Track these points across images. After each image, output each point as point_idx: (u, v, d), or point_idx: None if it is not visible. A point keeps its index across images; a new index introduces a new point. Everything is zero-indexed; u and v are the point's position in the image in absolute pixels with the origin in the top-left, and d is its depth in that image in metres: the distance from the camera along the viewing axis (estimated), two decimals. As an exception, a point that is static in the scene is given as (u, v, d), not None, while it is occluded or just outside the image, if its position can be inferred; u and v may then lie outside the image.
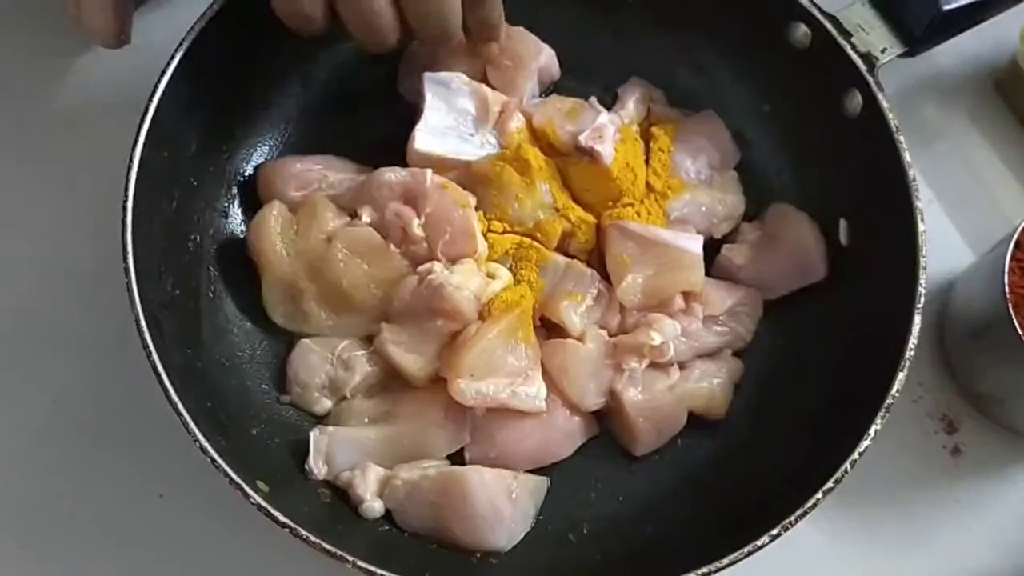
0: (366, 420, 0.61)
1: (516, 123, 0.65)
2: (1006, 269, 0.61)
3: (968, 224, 0.73)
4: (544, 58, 0.70)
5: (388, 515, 0.59)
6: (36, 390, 0.65)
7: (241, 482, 0.51)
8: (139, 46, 0.60)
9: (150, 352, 0.53)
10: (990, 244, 0.68)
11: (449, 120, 0.64)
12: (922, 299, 0.59)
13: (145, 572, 0.62)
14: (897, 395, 0.56)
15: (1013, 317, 0.60)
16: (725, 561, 0.53)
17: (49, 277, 0.67)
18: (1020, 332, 0.60)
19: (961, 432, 0.68)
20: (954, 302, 0.69)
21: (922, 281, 0.59)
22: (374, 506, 0.59)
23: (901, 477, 0.67)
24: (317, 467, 0.59)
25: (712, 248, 0.68)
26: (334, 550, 0.50)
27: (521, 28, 0.69)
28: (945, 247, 0.71)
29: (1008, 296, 0.61)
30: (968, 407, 0.68)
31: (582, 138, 0.65)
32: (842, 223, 0.67)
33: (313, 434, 0.60)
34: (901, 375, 0.57)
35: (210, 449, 0.51)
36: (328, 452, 0.60)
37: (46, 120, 0.71)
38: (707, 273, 0.66)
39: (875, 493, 0.66)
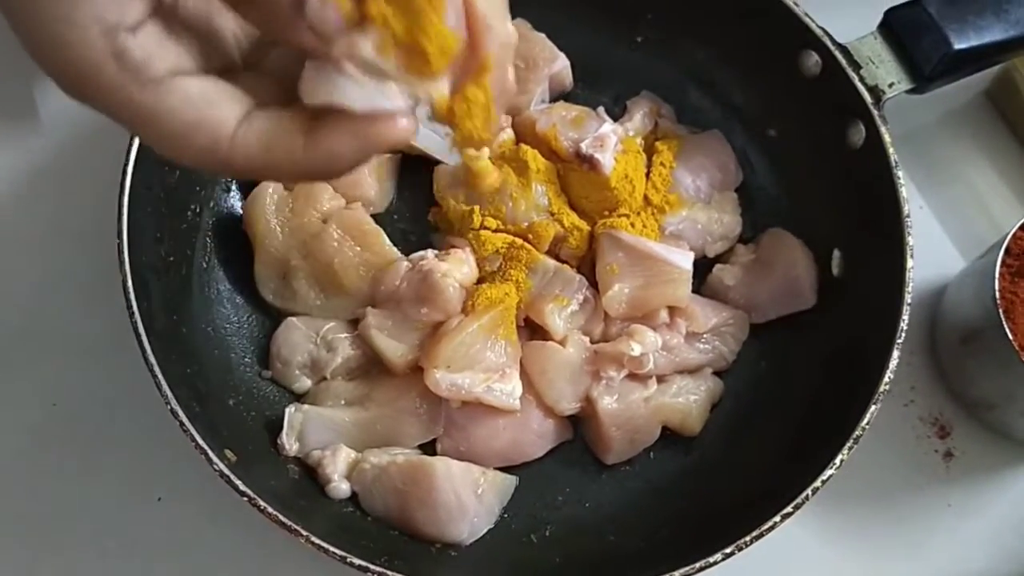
0: (342, 402, 0.62)
1: (501, 138, 0.66)
2: (996, 275, 0.61)
3: (959, 230, 0.73)
4: (558, 66, 0.71)
5: (354, 497, 0.60)
6: (36, 393, 0.65)
7: (206, 447, 0.52)
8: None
9: (132, 312, 0.54)
10: (981, 250, 0.68)
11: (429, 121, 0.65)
12: (903, 335, 0.59)
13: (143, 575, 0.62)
14: (867, 428, 0.57)
15: (1004, 322, 0.60)
16: (676, 574, 0.53)
17: (50, 279, 0.67)
18: (1011, 337, 0.60)
19: (953, 436, 0.68)
20: (945, 307, 0.69)
21: (904, 318, 0.59)
22: (341, 487, 0.60)
23: (894, 480, 0.67)
24: (289, 443, 0.60)
25: (705, 266, 0.68)
26: (290, 524, 0.51)
27: (541, 34, 0.70)
28: (936, 253, 0.71)
29: (999, 301, 0.60)
30: (960, 411, 0.69)
31: (583, 145, 0.65)
32: (836, 254, 0.67)
33: (288, 410, 0.61)
34: (873, 408, 0.57)
35: (179, 411, 0.52)
36: (301, 430, 0.61)
37: (40, 112, 0.71)
38: (697, 291, 0.67)
39: (868, 496, 0.66)
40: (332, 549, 0.51)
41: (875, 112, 0.64)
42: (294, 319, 0.64)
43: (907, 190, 0.62)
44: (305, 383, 0.63)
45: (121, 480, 0.63)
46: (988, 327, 0.61)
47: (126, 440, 0.63)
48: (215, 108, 0.36)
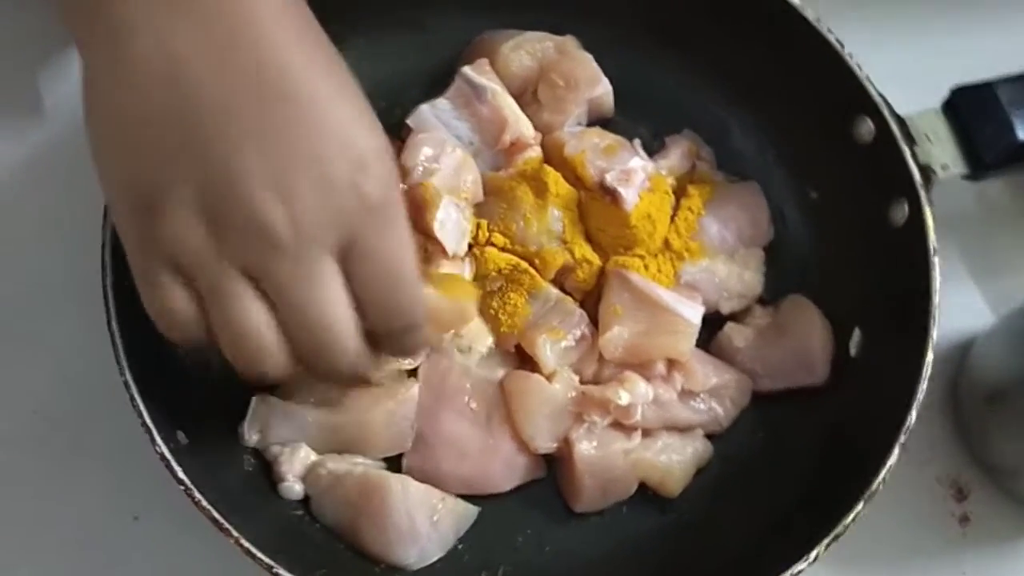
0: (312, 400, 0.60)
1: (527, 155, 0.63)
2: None
3: (989, 283, 0.69)
4: (599, 90, 0.67)
5: (307, 501, 0.58)
6: (16, 397, 0.62)
7: (152, 425, 0.50)
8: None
9: (111, 320, 0.52)
10: (1011, 304, 0.64)
11: (456, 122, 0.63)
12: (908, 433, 0.55)
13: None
14: (851, 524, 0.53)
15: None
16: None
17: (38, 280, 0.64)
18: None
19: (971, 500, 0.64)
20: (971, 363, 0.65)
21: (913, 413, 0.55)
22: (294, 487, 0.57)
23: (906, 543, 0.63)
24: (249, 433, 0.58)
25: (716, 322, 0.65)
26: (222, 522, 0.48)
27: (588, 55, 0.67)
28: (964, 305, 0.67)
29: None
30: (980, 474, 0.65)
31: (608, 176, 0.62)
32: (856, 332, 0.63)
33: (255, 399, 0.58)
34: (859, 506, 0.53)
35: (132, 384, 0.50)
36: (264, 421, 0.58)
37: (45, 103, 0.68)
38: (704, 347, 0.63)
39: (879, 558, 0.63)
40: (259, 555, 0.48)
41: (922, 193, 0.59)
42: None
43: (936, 312, 0.58)
44: (279, 373, 0.61)
45: (98, 496, 0.60)
46: (1015, 388, 0.58)
47: (103, 457, 0.61)
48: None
